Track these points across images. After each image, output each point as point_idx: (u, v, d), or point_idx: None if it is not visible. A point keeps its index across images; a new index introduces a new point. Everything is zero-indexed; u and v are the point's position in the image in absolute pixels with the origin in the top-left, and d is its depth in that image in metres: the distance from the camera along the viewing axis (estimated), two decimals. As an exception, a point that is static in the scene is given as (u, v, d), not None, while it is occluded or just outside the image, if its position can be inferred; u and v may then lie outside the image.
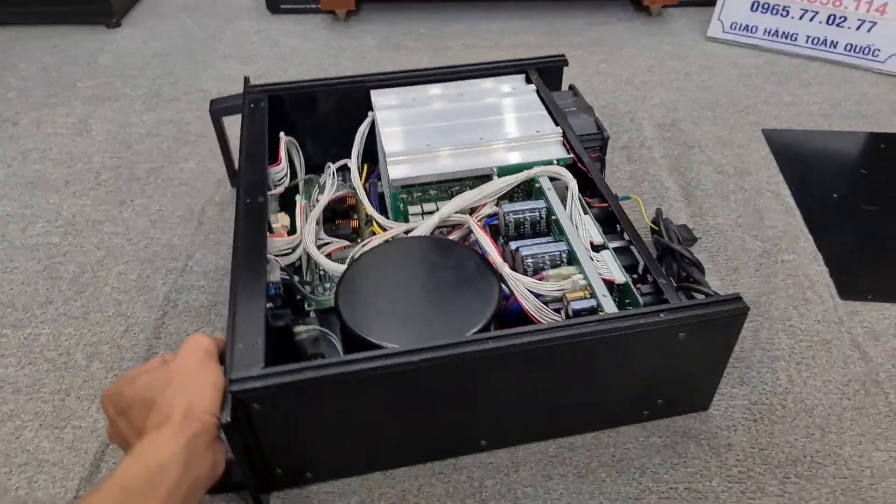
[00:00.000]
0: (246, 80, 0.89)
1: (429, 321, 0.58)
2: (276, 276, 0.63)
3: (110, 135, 1.07)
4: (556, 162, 0.73)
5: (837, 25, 1.15)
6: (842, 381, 0.66)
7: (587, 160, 0.72)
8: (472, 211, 0.71)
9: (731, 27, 1.24)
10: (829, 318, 0.72)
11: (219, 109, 0.88)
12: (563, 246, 0.64)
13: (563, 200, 0.68)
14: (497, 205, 0.71)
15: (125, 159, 1.01)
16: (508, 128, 0.77)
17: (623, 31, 1.32)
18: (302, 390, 0.51)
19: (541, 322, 0.58)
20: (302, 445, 0.55)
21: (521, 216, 0.68)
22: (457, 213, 0.70)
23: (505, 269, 0.62)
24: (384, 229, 0.72)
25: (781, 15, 1.19)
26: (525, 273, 0.63)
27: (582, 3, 1.41)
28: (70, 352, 0.72)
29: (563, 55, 0.92)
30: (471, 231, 0.68)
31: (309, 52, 1.29)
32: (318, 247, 0.73)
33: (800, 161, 0.95)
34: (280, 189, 0.78)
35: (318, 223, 0.76)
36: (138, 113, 1.12)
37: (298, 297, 0.69)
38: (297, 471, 0.57)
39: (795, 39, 1.19)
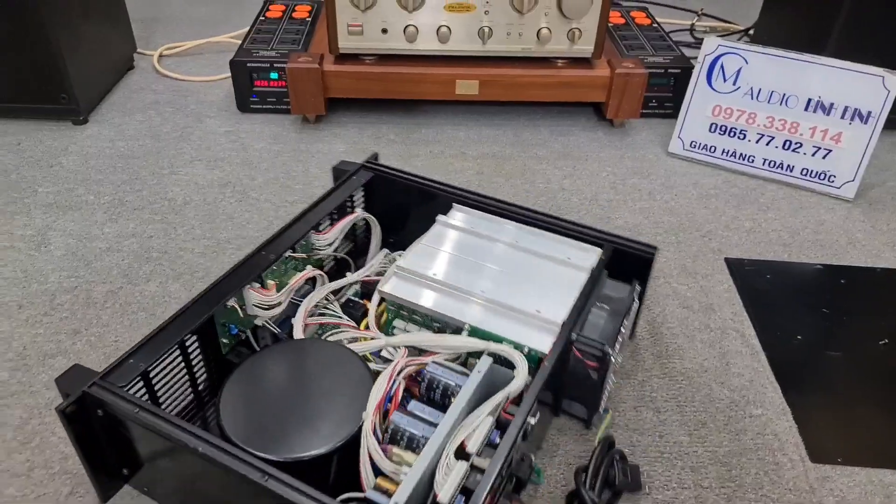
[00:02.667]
0: (375, 155, 0.98)
1: (285, 431, 0.62)
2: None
3: (69, 249, 1.04)
4: (525, 350, 0.68)
5: (794, 151, 1.20)
6: (812, 557, 0.66)
7: (571, 361, 0.70)
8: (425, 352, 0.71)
9: (690, 145, 1.28)
10: (801, 485, 0.72)
11: (337, 171, 0.97)
12: (432, 431, 0.59)
13: (491, 391, 0.63)
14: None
15: (83, 279, 0.98)
16: (523, 294, 0.73)
17: (586, 143, 1.35)
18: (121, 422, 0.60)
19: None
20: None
21: (438, 379, 0.66)
22: (410, 347, 0.71)
23: (368, 420, 0.60)
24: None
25: (739, 138, 1.23)
26: (384, 434, 0.61)
27: (547, 111, 1.45)
28: (10, 518, 0.67)
29: (655, 248, 0.82)
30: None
31: (278, 157, 1.28)
32: (310, 315, 0.77)
33: (762, 297, 0.96)
34: (311, 255, 0.85)
35: (333, 295, 0.82)
36: (100, 224, 1.09)
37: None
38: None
39: (753, 161, 1.24)
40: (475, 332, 0.71)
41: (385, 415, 0.63)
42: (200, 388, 0.73)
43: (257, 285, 0.76)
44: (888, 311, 0.94)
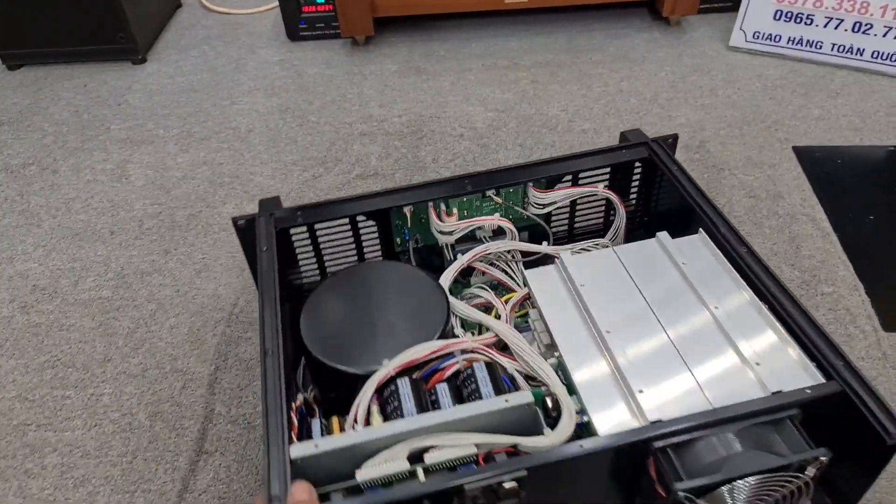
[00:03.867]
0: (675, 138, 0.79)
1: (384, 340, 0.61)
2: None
3: (148, 180, 1.09)
4: (583, 419, 0.54)
5: (864, 33, 1.14)
6: (888, 418, 0.67)
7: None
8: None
9: (753, 36, 1.23)
10: (873, 353, 0.73)
11: (623, 136, 0.79)
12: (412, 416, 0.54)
13: (512, 430, 0.53)
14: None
15: (165, 205, 1.04)
16: (652, 363, 0.57)
17: (642, 44, 1.32)
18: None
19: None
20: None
21: (477, 380, 0.57)
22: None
23: (386, 369, 0.57)
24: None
25: (805, 23, 1.18)
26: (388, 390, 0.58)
27: (599, 14, 1.41)
28: (133, 412, 0.75)
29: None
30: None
31: (332, 81, 1.30)
32: (484, 261, 0.73)
33: (833, 181, 0.95)
34: (513, 205, 0.77)
35: (518, 255, 0.75)
36: (172, 155, 1.15)
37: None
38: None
39: (820, 48, 1.19)
40: (562, 367, 0.59)
41: (413, 376, 0.59)
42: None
43: (443, 206, 0.73)
44: (967, 187, 0.92)
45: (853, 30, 1.15)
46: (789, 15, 1.19)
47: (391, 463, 0.51)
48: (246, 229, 0.70)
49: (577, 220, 0.81)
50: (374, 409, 0.56)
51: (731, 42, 1.26)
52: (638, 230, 0.80)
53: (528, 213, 0.77)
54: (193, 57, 1.43)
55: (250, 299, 0.87)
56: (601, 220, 0.82)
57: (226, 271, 0.91)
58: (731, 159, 1.02)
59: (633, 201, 0.81)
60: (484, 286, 0.72)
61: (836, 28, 1.16)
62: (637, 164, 0.77)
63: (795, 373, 0.54)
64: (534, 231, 0.79)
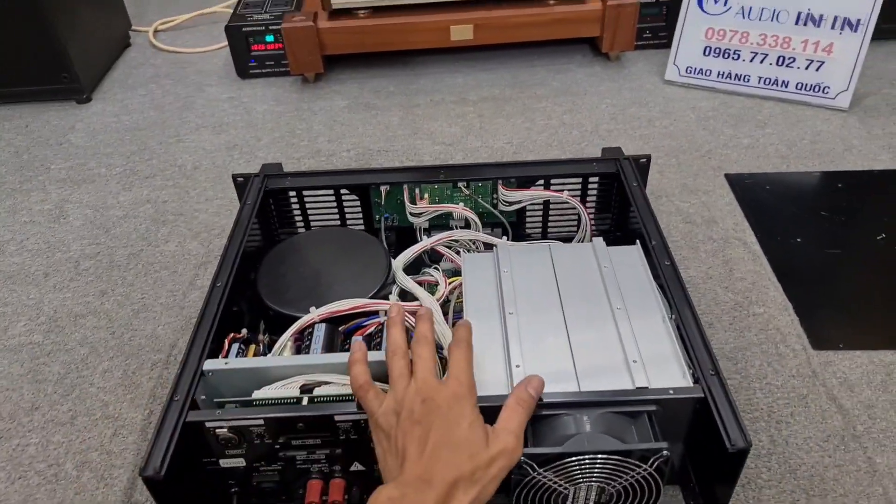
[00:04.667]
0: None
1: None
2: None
3: (87, 219, 1.07)
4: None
5: (787, 66, 1.20)
6: (821, 437, 0.69)
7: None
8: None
9: (686, 71, 1.29)
10: (804, 371, 0.75)
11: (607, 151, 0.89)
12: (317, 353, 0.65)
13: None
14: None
15: (104, 245, 1.02)
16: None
17: (584, 78, 1.36)
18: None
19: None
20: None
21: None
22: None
23: (312, 315, 0.68)
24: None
25: (733, 58, 1.24)
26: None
27: (542, 51, 1.46)
28: (60, 462, 0.72)
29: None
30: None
31: (281, 118, 1.31)
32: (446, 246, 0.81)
33: (763, 206, 0.99)
34: (479, 199, 0.85)
35: (481, 246, 0.83)
36: (114, 194, 1.13)
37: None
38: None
39: (748, 80, 1.24)
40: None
41: (339, 328, 0.68)
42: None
43: (416, 191, 0.83)
44: (885, 209, 0.96)
45: (777, 63, 1.21)
46: (717, 50, 1.24)
47: (285, 389, 0.59)
48: (242, 186, 0.85)
49: (550, 223, 0.88)
50: (290, 345, 0.66)
51: (666, 76, 1.31)
52: (611, 245, 0.82)
53: (497, 210, 0.85)
54: (140, 95, 1.42)
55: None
56: (575, 226, 0.87)
57: (165, 310, 0.89)
58: (668, 186, 1.05)
59: (610, 217, 0.87)
60: (438, 268, 0.79)
61: (761, 62, 1.22)
62: (611, 180, 0.84)
63: (669, 374, 0.59)
64: (507, 229, 0.87)
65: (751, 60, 1.23)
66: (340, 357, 0.60)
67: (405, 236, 0.87)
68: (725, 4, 1.21)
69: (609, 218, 0.87)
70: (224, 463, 0.60)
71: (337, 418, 0.57)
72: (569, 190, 0.84)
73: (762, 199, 1.00)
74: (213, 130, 1.28)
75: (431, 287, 0.76)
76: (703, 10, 1.23)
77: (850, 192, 1.00)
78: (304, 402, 0.59)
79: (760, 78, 1.23)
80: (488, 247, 0.82)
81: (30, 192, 1.14)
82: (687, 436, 0.60)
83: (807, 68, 1.19)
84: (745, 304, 0.84)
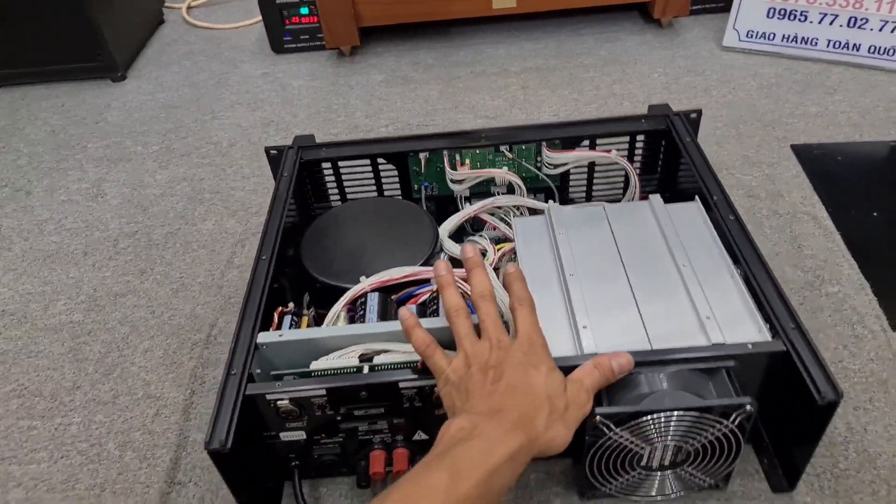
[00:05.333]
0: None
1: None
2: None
3: (125, 198, 1.06)
4: None
5: (859, 27, 1.11)
6: (905, 425, 0.63)
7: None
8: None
9: (747, 35, 1.20)
10: (884, 354, 0.69)
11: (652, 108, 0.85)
12: (373, 322, 0.63)
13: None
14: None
15: (142, 224, 1.00)
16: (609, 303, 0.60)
17: (634, 47, 1.29)
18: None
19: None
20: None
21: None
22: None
23: (364, 284, 0.66)
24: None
25: (800, 20, 1.15)
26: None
27: (589, 18, 1.38)
28: (102, 441, 0.70)
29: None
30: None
31: (317, 93, 1.27)
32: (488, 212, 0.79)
33: (834, 178, 0.91)
34: (523, 162, 0.81)
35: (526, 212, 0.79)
36: (151, 172, 1.11)
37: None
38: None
39: (816, 44, 1.16)
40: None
41: (391, 297, 0.66)
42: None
43: (457, 156, 0.80)
44: (975, 180, 0.88)
45: (848, 25, 1.12)
46: (783, 12, 1.16)
47: (344, 358, 0.57)
48: (275, 159, 0.82)
49: (595, 185, 0.84)
50: (343, 315, 0.64)
51: (724, 42, 1.23)
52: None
53: (541, 173, 0.81)
54: (174, 73, 1.40)
55: (230, 319, 0.82)
56: (621, 188, 0.84)
57: (204, 290, 0.87)
58: (728, 159, 0.98)
59: (657, 176, 0.83)
60: (484, 236, 0.76)
61: (830, 24, 1.13)
62: (658, 137, 0.80)
63: (744, 329, 0.56)
64: (552, 194, 0.83)
65: (819, 22, 1.14)
66: (398, 325, 0.58)
67: (445, 205, 0.83)
68: (790, -38, 1.13)
69: (656, 178, 0.83)
70: (284, 436, 0.59)
71: (401, 385, 0.55)
72: (616, 149, 0.80)
73: (833, 170, 0.93)
74: (248, 107, 1.25)
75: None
76: (764, -32, 1.15)
77: (930, 163, 0.92)
78: (366, 370, 0.57)
79: (830, 41, 1.14)
80: (534, 212, 0.78)
81: (67, 171, 1.13)
82: (762, 392, 0.57)
83: (881, 30, 1.10)
84: (817, 284, 0.77)
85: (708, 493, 0.60)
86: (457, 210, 0.80)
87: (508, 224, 0.76)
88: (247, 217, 0.99)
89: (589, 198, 0.85)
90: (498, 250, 0.72)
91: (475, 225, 0.80)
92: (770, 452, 0.60)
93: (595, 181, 0.84)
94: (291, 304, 0.68)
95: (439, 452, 0.45)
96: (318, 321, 0.67)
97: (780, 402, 0.56)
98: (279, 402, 0.55)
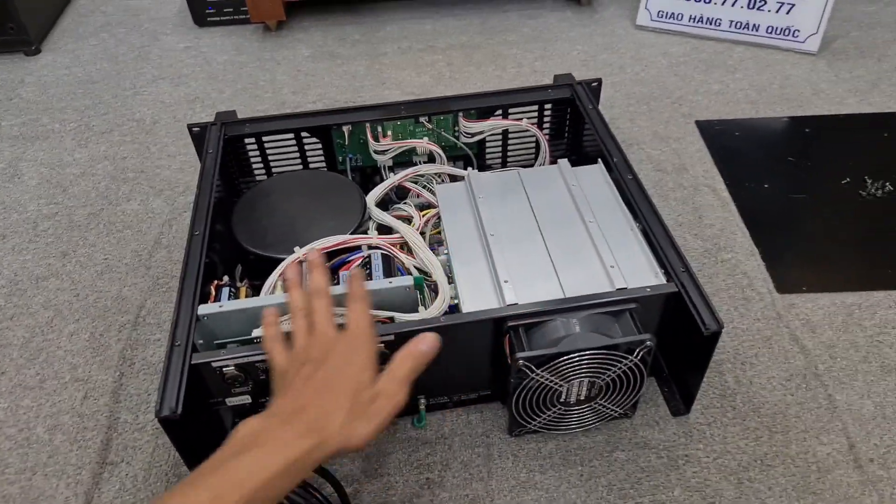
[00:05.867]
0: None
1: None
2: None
3: (43, 178, 1.03)
4: (453, 296, 0.66)
5: (758, 9, 1.19)
6: (784, 376, 0.71)
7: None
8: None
9: (657, 15, 1.27)
10: (768, 314, 0.77)
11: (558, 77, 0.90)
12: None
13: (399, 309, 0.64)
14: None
15: (62, 205, 0.98)
16: (530, 254, 0.67)
17: (555, 24, 1.33)
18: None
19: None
20: None
21: (372, 265, 0.69)
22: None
23: (297, 254, 0.70)
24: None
25: (705, 1, 1.22)
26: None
27: (513, -5, 1.42)
28: (31, 426, 0.71)
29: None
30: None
31: (242, 68, 1.26)
32: (412, 181, 0.82)
33: (732, 152, 0.99)
34: (442, 132, 0.86)
35: (447, 179, 0.84)
36: (70, 150, 1.08)
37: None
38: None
39: (719, 25, 1.23)
40: (449, 262, 0.69)
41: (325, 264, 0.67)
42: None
43: (379, 129, 0.83)
44: (851, 153, 0.97)
45: (748, 6, 1.20)
46: (690, -7, 1.22)
47: (283, 325, 0.58)
48: (199, 136, 0.83)
49: (509, 152, 0.90)
50: (279, 284, 0.67)
51: (637, 21, 1.29)
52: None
53: (459, 142, 0.86)
54: (92, 46, 1.35)
55: (159, 300, 0.83)
56: (532, 155, 0.90)
57: (131, 271, 0.87)
58: (639, 135, 1.04)
59: (565, 142, 0.90)
60: (409, 203, 0.80)
61: (733, 5, 1.20)
62: (564, 105, 0.86)
63: (643, 275, 0.64)
64: (469, 162, 0.89)
65: (722, 3, 1.21)
66: (332, 290, 0.60)
67: (370, 176, 0.88)
68: (697, -55, 1.19)
69: (564, 143, 0.90)
70: (231, 401, 0.62)
71: None
72: (527, 118, 0.86)
73: (732, 145, 1.00)
74: (171, 82, 1.23)
75: (405, 221, 0.77)
76: (674, -49, 1.21)
77: (816, 137, 1.01)
78: None
79: (732, 21, 1.22)
80: (454, 179, 0.83)
81: (-20, 151, 1.09)
82: (660, 329, 0.65)
83: (777, 11, 1.18)
84: (714, 251, 0.85)
85: (618, 421, 0.67)
86: (382, 180, 0.84)
87: (431, 192, 0.80)
88: (173, 196, 0.99)
89: (504, 163, 0.91)
90: (423, 216, 0.77)
91: (399, 193, 0.84)
92: (669, 381, 0.70)
93: (509, 148, 0.90)
94: (226, 278, 0.70)
95: (213, 466, 0.45)
96: (254, 292, 0.69)
97: (675, 336, 0.64)
98: (225, 370, 0.58)
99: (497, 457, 0.66)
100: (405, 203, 0.82)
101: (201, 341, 0.62)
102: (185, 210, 0.96)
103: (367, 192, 0.79)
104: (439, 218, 0.75)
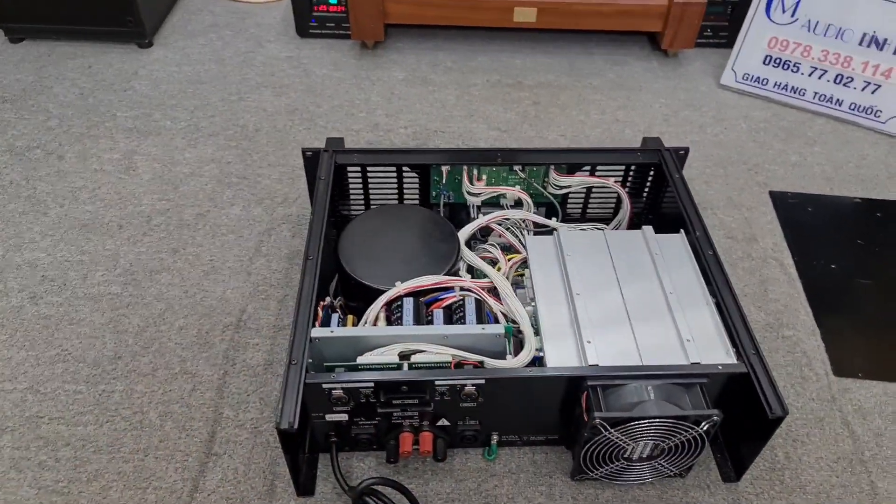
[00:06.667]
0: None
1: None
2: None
3: (156, 174, 1.13)
4: (539, 347, 0.73)
5: (844, 85, 1.22)
6: (832, 458, 0.76)
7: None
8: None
9: (743, 77, 1.30)
10: (823, 395, 0.82)
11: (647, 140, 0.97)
12: (409, 324, 0.75)
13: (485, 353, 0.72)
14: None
15: (173, 202, 1.07)
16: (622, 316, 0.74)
17: (640, 73, 1.38)
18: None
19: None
20: None
21: (465, 307, 0.77)
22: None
23: (398, 288, 0.77)
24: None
25: (792, 70, 1.25)
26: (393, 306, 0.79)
27: (601, 39, 1.46)
28: (144, 410, 0.80)
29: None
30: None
31: (339, 84, 1.34)
32: (500, 224, 0.91)
33: (803, 227, 1.03)
34: (531, 182, 0.94)
35: (531, 225, 0.93)
36: (180, 149, 1.17)
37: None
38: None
39: (803, 94, 1.26)
40: (535, 314, 0.75)
41: (420, 299, 0.77)
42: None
43: (475, 171, 0.91)
44: (922, 245, 1.01)
45: (835, 81, 1.22)
46: (777, 61, 1.26)
47: (386, 355, 0.68)
48: (311, 159, 0.91)
49: (590, 206, 0.97)
50: (382, 315, 0.75)
51: (722, 80, 1.33)
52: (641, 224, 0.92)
53: (546, 192, 0.93)
54: (200, 45, 1.44)
55: (258, 307, 0.91)
56: (612, 210, 0.98)
57: (233, 275, 0.96)
58: (713, 199, 1.09)
59: (643, 200, 0.96)
60: (495, 245, 0.88)
61: (819, 78, 1.24)
62: (649, 168, 0.92)
63: (716, 352, 0.71)
64: (551, 209, 0.96)
65: (809, 75, 1.24)
66: (430, 329, 0.71)
67: (458, 212, 0.96)
68: (793, 15, 1.22)
69: (642, 202, 0.97)
70: (330, 417, 0.70)
71: (437, 383, 0.67)
72: (612, 177, 0.93)
73: (803, 220, 1.04)
74: (273, 91, 1.32)
75: (489, 262, 0.85)
76: (769, 18, 1.24)
77: (887, 223, 1.04)
78: (405, 367, 0.68)
79: (816, 93, 1.25)
80: (537, 226, 0.92)
81: (98, 139, 1.19)
82: (722, 399, 0.71)
83: (863, 90, 1.21)
84: (776, 326, 0.89)
85: (672, 479, 0.74)
86: (469, 216, 0.93)
87: (515, 235, 0.89)
88: (272, 206, 1.07)
89: (584, 214, 0.98)
90: (508, 259, 0.85)
91: (482, 230, 0.92)
92: (723, 448, 0.77)
93: (591, 201, 0.97)
94: (329, 298, 0.78)
95: None
96: (349, 311, 0.79)
97: (737, 410, 0.69)
98: (333, 391, 0.66)
99: (558, 497, 0.73)
100: (490, 244, 0.89)
101: (310, 360, 0.69)
102: (283, 221, 1.04)
103: (454, 225, 0.88)
104: (524, 264, 0.83)
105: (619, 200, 0.95)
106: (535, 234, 0.90)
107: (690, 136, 1.21)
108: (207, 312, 0.91)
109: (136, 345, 0.87)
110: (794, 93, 1.27)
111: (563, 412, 0.72)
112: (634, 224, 0.93)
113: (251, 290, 0.94)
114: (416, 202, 0.96)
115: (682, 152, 0.93)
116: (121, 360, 0.85)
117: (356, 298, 0.81)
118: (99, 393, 0.82)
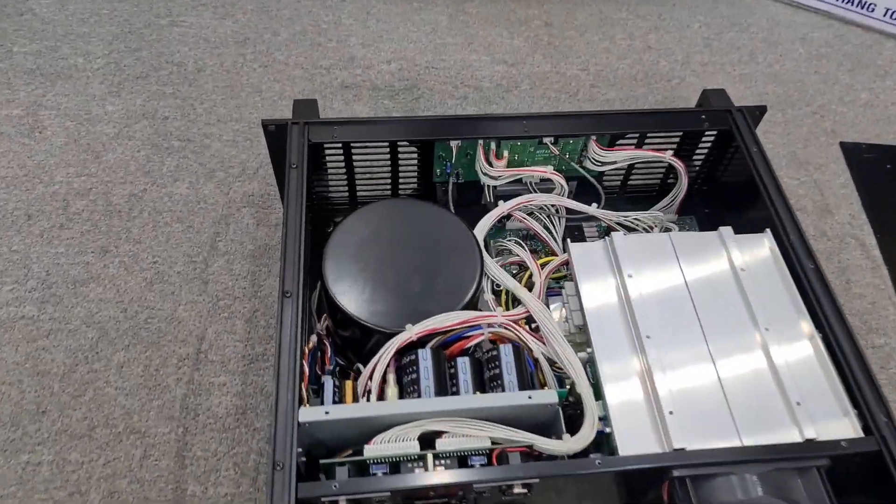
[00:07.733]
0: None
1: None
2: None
3: (70, 136, 0.87)
4: (605, 428, 0.53)
5: (926, -1, 1.00)
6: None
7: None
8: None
9: (800, -14, 1.06)
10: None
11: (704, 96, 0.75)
12: (429, 397, 0.54)
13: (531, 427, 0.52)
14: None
15: (97, 178, 0.83)
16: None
17: (672, -21, 1.12)
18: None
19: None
20: None
21: (502, 365, 0.56)
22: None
23: (409, 333, 0.56)
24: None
25: (863, -21, 1.02)
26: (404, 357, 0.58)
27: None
28: (82, 490, 0.61)
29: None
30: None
31: (300, 1, 1.05)
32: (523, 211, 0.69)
33: (884, 192, 0.85)
34: (569, 159, 0.71)
35: (562, 211, 0.71)
36: (99, 99, 0.91)
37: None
38: None
39: (872, 10, 1.04)
40: (592, 364, 0.56)
41: (435, 345, 0.57)
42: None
43: (492, 147, 0.69)
44: None
45: (916, -6, 1.00)
46: (847, -33, 1.02)
47: (401, 443, 0.50)
48: (276, 134, 0.67)
49: (631, 180, 0.76)
50: (391, 377, 0.55)
51: (773, -11, 1.09)
52: (693, 198, 0.75)
53: (582, 168, 0.72)
54: (114, -54, 1.12)
55: (221, 329, 0.71)
56: (657, 183, 0.77)
57: (185, 284, 0.75)
58: (774, 155, 0.89)
59: (696, 169, 0.75)
60: (519, 241, 0.69)
61: (896, -11, 1.01)
62: (713, 133, 0.71)
63: (834, 420, 0.53)
64: (582, 183, 0.74)
65: (884, -13, 1.01)
66: (460, 402, 0.52)
67: (468, 193, 0.73)
68: None
69: (694, 170, 0.75)
70: None
71: (477, 487, 0.49)
72: (668, 148, 0.71)
73: (884, 182, 0.86)
74: (214, 11, 1.03)
75: (508, 269, 0.66)
76: (841, -90, 0.99)
77: (981, 183, 0.87)
78: (430, 459, 0.50)
79: (888, 10, 1.02)
80: (570, 211, 0.70)
81: (-10, 86, 0.92)
82: (845, 481, 0.53)
83: (950, 6, 0.99)
84: (864, 332, 0.74)
85: None
86: (481, 198, 0.72)
87: (545, 225, 0.69)
88: (228, 181, 0.84)
89: (623, 193, 0.77)
90: (541, 266, 0.64)
91: (502, 218, 0.70)
92: None
93: (632, 178, 0.76)
94: (314, 339, 0.58)
95: None
96: (334, 337, 0.60)
97: (863, 491, 0.53)
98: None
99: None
100: (511, 240, 0.69)
101: (300, 449, 0.51)
102: (244, 203, 0.82)
103: (459, 209, 0.69)
104: (574, 282, 0.61)
105: (667, 171, 0.74)
106: (569, 225, 0.71)
107: (739, 68, 0.99)
108: (155, 341, 0.70)
109: (65, 392, 0.67)
110: (861, 7, 1.04)
111: (626, 494, 0.56)
112: (684, 199, 0.73)
113: (210, 306, 0.73)
114: (415, 184, 0.73)
115: (757, 112, 0.72)
116: (46, 417, 0.65)
117: (350, 337, 0.61)
118: (21, 466, 0.62)
